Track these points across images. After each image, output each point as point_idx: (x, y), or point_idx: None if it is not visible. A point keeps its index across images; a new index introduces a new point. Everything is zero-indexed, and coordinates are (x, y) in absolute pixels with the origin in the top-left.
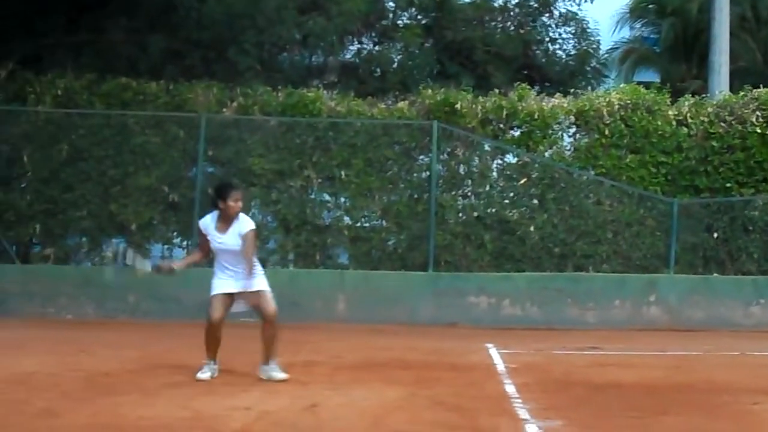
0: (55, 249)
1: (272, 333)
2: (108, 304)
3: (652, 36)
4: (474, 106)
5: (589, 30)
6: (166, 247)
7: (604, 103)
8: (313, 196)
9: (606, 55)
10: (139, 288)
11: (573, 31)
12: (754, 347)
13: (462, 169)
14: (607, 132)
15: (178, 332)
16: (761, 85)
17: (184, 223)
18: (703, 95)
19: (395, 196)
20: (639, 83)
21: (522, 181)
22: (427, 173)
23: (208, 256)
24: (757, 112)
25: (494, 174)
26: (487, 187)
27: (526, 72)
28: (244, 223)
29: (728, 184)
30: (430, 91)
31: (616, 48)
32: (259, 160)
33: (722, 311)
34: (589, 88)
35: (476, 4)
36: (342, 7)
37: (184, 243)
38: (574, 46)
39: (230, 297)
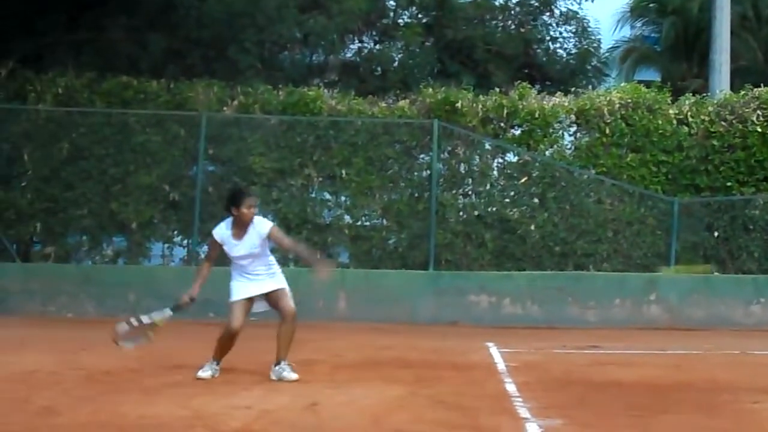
0: (56, 247)
1: (290, 332)
2: (108, 302)
3: (652, 35)
4: (475, 104)
5: (589, 29)
6: (166, 246)
7: (605, 102)
8: (313, 195)
9: (607, 54)
10: (140, 286)
11: (574, 30)
12: (755, 346)
13: (463, 168)
14: (607, 131)
15: (178, 331)
16: (762, 84)
17: (185, 221)
18: (704, 94)
19: (396, 194)
20: (640, 82)
21: (523, 180)
22: (428, 172)
23: (214, 264)
24: (758, 111)
25: (495, 173)
26: (488, 186)
27: (526, 71)
28: (262, 224)
29: (729, 183)
30: (430, 89)
31: (617, 47)
32: (260, 158)
33: (722, 310)
34: (590, 86)
35: (477, 3)
36: (343, 6)
37: (185, 242)
38: (574, 45)
39: (250, 301)
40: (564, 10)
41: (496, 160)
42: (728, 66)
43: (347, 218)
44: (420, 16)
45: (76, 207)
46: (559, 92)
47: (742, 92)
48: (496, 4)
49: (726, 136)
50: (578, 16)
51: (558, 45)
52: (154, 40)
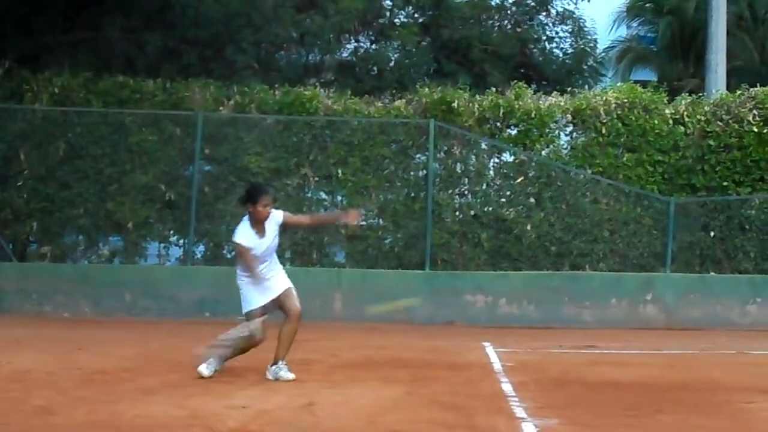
0: (52, 247)
1: (293, 332)
2: (105, 302)
3: (649, 35)
4: (471, 104)
5: (586, 28)
6: (162, 245)
7: (601, 102)
8: (309, 195)
9: (603, 54)
10: (136, 286)
11: (570, 30)
12: (751, 346)
13: (459, 168)
14: (604, 131)
15: (174, 330)
16: (758, 84)
17: (181, 221)
18: (700, 94)
19: (392, 194)
20: (636, 82)
21: (519, 180)
22: (424, 172)
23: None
24: (754, 111)
25: (491, 172)
26: (484, 186)
27: (523, 70)
28: (276, 214)
29: (725, 183)
30: (427, 89)
31: (613, 47)
32: (256, 158)
33: (719, 310)
34: (586, 86)
35: (473, 3)
36: (339, 6)
37: (181, 241)
38: (571, 45)
39: (265, 307)
40: (560, 9)
41: (492, 160)
42: (724, 66)
43: None
44: (416, 15)
45: (72, 206)
46: (555, 92)
47: (738, 92)
48: (493, 3)
49: (722, 136)
50: (574, 15)
51: (554, 45)
52: (150, 40)
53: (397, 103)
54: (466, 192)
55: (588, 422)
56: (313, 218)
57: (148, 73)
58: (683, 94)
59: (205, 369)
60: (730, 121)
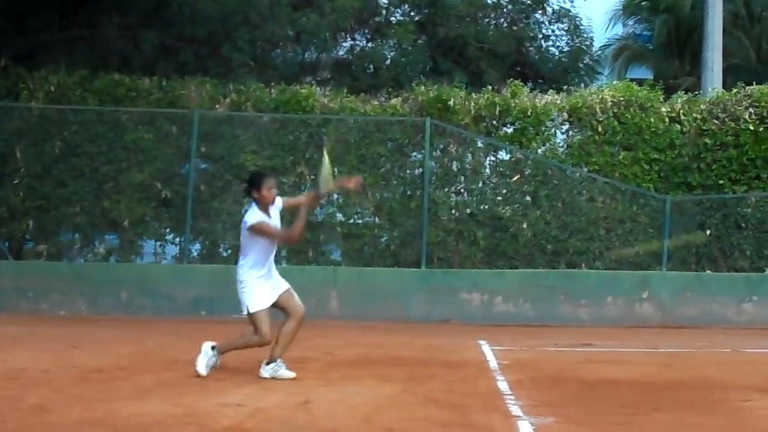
0: (48, 245)
1: (295, 332)
2: (101, 300)
3: (645, 33)
4: (467, 102)
5: (582, 27)
6: (158, 243)
7: (597, 100)
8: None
9: (599, 52)
10: (132, 284)
11: (566, 28)
12: (747, 344)
13: (455, 166)
14: (600, 129)
15: (170, 328)
16: (754, 82)
17: (177, 219)
18: (696, 92)
19: (388, 192)
20: (632, 80)
21: (515, 178)
22: (420, 170)
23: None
24: (750, 109)
25: (487, 171)
26: (480, 184)
27: (519, 69)
28: (277, 201)
29: (721, 181)
30: (423, 87)
31: (609, 45)
32: (252, 156)
33: (715, 308)
34: (582, 84)
35: (469, 1)
36: (335, 4)
37: (177, 239)
38: (567, 43)
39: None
40: (556, 8)
41: (488, 158)
42: (720, 64)
43: (339, 216)
44: (412, 14)
45: (68, 205)
46: (551, 90)
47: (735, 90)
48: (488, 2)
49: (718, 134)
50: (570, 14)
51: (550, 43)
52: (146, 38)
53: (393, 101)
54: (462, 190)
55: (584, 420)
56: (309, 198)
57: (145, 71)
58: (679, 93)
59: (204, 369)
60: (727, 120)
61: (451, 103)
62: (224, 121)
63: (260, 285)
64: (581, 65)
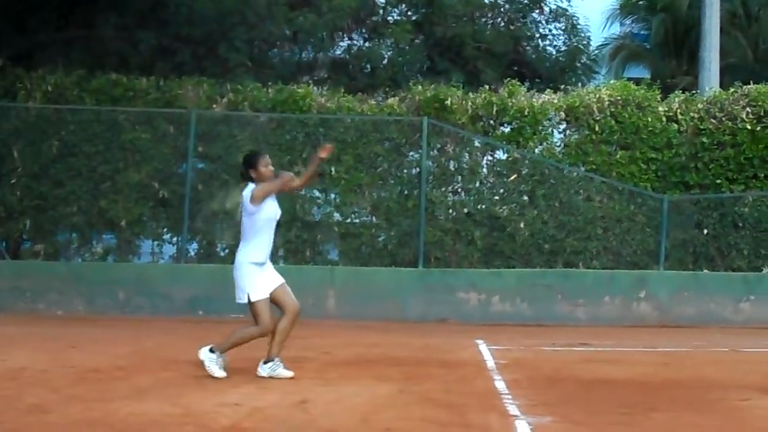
0: (45, 245)
1: (290, 329)
2: (98, 300)
3: (642, 32)
4: (464, 102)
5: (579, 26)
6: (156, 243)
7: (595, 100)
8: (303, 192)
9: (596, 52)
10: (129, 284)
11: (563, 28)
12: (744, 344)
13: (452, 166)
14: (597, 128)
15: (168, 328)
16: (751, 82)
17: (174, 219)
18: (694, 91)
19: (385, 192)
20: (629, 79)
21: (512, 178)
22: (417, 169)
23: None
24: (747, 109)
25: (484, 170)
26: (477, 184)
27: (516, 68)
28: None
29: (718, 181)
30: (420, 87)
31: (607, 44)
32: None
33: (712, 307)
34: (580, 84)
35: (466, 1)
36: (332, 3)
37: (174, 239)
38: (564, 43)
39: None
40: (553, 7)
41: (485, 158)
42: (718, 63)
43: (337, 216)
44: (409, 13)
45: (65, 204)
46: (548, 89)
47: (732, 89)
48: (486, 1)
49: (715, 134)
50: (567, 13)
51: (547, 42)
52: (143, 38)
53: (391, 100)
54: (459, 190)
55: (581, 420)
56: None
57: (142, 70)
58: (676, 92)
59: (220, 371)
60: (724, 119)
61: (448, 102)
62: (221, 121)
63: (258, 274)
64: (578, 64)
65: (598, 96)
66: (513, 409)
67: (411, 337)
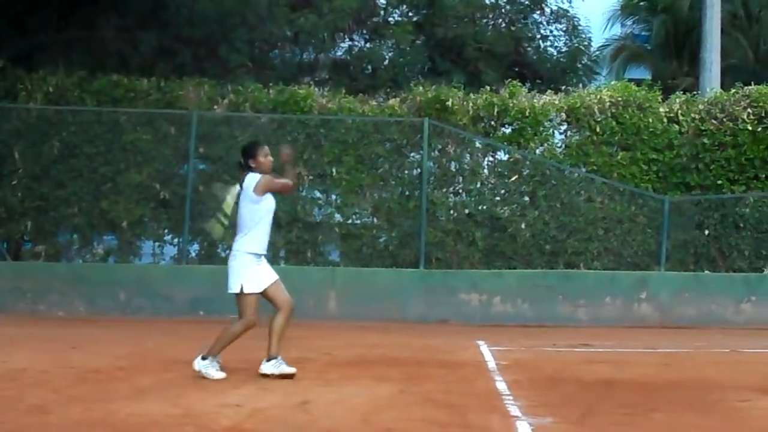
0: (46, 246)
1: (286, 324)
2: (99, 301)
3: (643, 33)
4: (465, 103)
5: (580, 27)
6: (157, 244)
7: (596, 101)
8: (304, 193)
9: (597, 53)
10: (130, 285)
11: (564, 28)
12: (745, 344)
13: (453, 166)
14: (598, 129)
15: (169, 329)
16: (752, 83)
17: (176, 220)
18: (695, 92)
19: (386, 193)
20: (630, 80)
21: (513, 178)
22: (419, 170)
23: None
24: (749, 109)
25: (485, 171)
26: (478, 184)
27: (517, 69)
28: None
29: (719, 181)
30: (421, 88)
31: (608, 45)
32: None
33: (713, 308)
34: (581, 85)
35: (467, 1)
36: (333, 4)
37: (175, 240)
38: (565, 43)
39: None
40: (554, 8)
41: (486, 159)
42: (719, 64)
43: (338, 216)
44: (410, 14)
45: (66, 205)
46: (549, 90)
47: (733, 90)
48: (487, 2)
49: (716, 135)
50: (568, 14)
51: (548, 43)
52: (144, 39)
53: (392, 101)
54: (460, 190)
55: (582, 420)
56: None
57: (143, 71)
58: (677, 93)
59: (218, 374)
60: (725, 120)
61: (449, 103)
62: (222, 122)
63: (255, 267)
64: (579, 65)
65: (599, 97)
66: (514, 410)
67: (412, 338)
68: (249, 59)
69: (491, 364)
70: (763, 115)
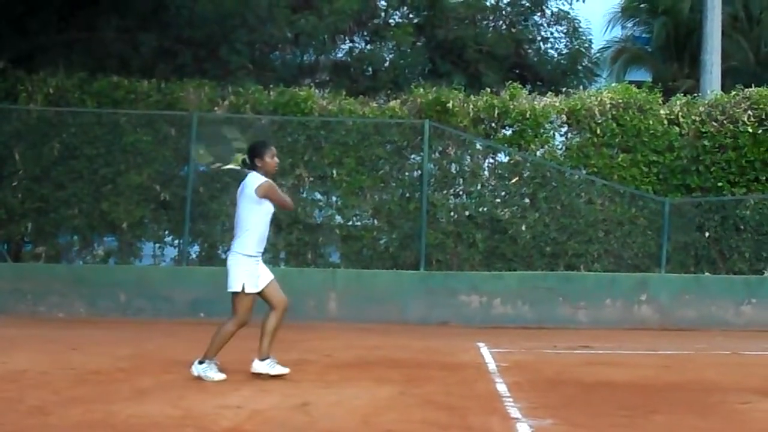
0: (47, 247)
1: (279, 324)
2: (99, 302)
3: (643, 35)
4: (466, 105)
5: (581, 29)
6: (157, 245)
7: (596, 102)
8: (304, 195)
9: (598, 55)
10: (131, 286)
11: (565, 30)
12: (745, 346)
13: (453, 168)
14: (598, 131)
15: (169, 330)
16: (753, 85)
17: (176, 221)
18: (695, 94)
19: (387, 195)
20: (631, 82)
21: (513, 180)
22: (419, 172)
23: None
24: (749, 112)
25: (486, 173)
26: (479, 186)
27: (517, 71)
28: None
29: (720, 184)
30: (421, 89)
31: (608, 47)
32: None
33: (713, 310)
34: (581, 87)
35: (468, 3)
36: (334, 6)
37: (176, 242)
38: (565, 45)
39: None
40: (555, 10)
41: (487, 161)
42: (719, 66)
43: (338, 218)
44: (411, 16)
45: (66, 207)
46: (550, 92)
47: (733, 93)
48: (487, 4)
49: (717, 137)
50: (569, 16)
51: (549, 45)
52: (145, 40)
53: (392, 103)
54: (460, 192)
55: (582, 422)
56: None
57: (143, 73)
58: (678, 95)
59: (218, 375)
60: (725, 122)
61: (449, 105)
62: (223, 124)
63: (255, 267)
64: (580, 67)
65: (599, 99)
66: (514, 412)
67: (412, 340)
68: (249, 61)
69: (491, 366)
70: (763, 117)
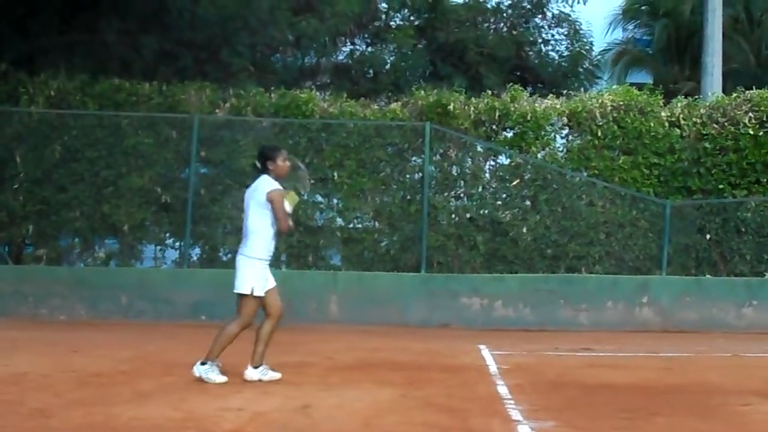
0: (48, 250)
1: (273, 332)
2: (101, 305)
3: (644, 37)
4: (466, 107)
5: (581, 31)
6: (158, 248)
7: (597, 105)
8: (305, 197)
9: (599, 57)
10: (132, 289)
11: (566, 33)
12: (747, 348)
13: (454, 171)
14: (599, 133)
15: (170, 333)
16: (754, 87)
17: (177, 224)
18: (696, 97)
19: (388, 197)
20: (632, 84)
21: (514, 183)
22: (420, 174)
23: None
24: (750, 114)
25: (487, 175)
26: (480, 189)
27: (518, 73)
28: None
29: (721, 186)
30: (422, 92)
31: (609, 49)
32: (252, 160)
33: (715, 313)
34: (582, 89)
35: (469, 6)
36: (335, 9)
37: (177, 244)
38: (566, 48)
39: None
40: (556, 12)
41: (488, 163)
42: (720, 68)
43: (339, 221)
44: (412, 18)
45: (68, 209)
46: (551, 95)
47: (734, 95)
48: (488, 6)
49: (718, 139)
50: (570, 18)
51: (550, 47)
52: (146, 43)
53: (393, 105)
54: (461, 195)
55: (583, 425)
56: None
57: (144, 75)
58: (679, 97)
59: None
60: (726, 124)
61: (450, 107)
62: (224, 126)
63: (265, 271)
64: (581, 70)
65: (600, 101)
66: (515, 414)
67: (413, 342)
68: (251, 63)
69: (493, 368)
70: (764, 119)
